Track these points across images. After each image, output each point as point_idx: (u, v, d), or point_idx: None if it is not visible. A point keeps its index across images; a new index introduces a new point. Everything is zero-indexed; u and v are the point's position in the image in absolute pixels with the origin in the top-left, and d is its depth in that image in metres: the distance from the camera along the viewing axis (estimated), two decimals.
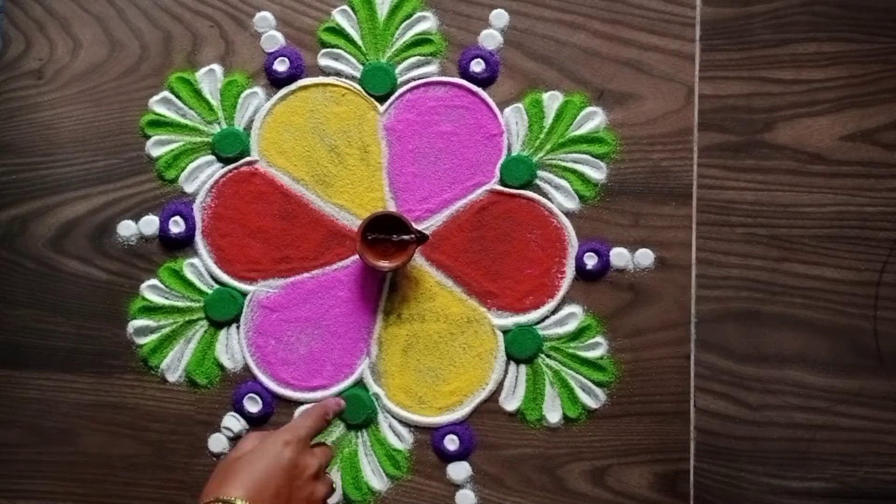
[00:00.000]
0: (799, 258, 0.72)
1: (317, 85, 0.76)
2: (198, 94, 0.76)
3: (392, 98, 0.75)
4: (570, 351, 0.72)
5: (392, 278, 0.74)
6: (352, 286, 0.74)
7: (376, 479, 0.71)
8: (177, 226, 0.74)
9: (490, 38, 0.76)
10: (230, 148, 0.75)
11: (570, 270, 0.73)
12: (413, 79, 0.75)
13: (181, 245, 0.74)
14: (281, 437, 0.59)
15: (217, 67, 0.76)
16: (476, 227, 0.74)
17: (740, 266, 0.72)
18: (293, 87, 0.76)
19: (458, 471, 0.71)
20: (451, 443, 0.71)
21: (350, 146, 0.75)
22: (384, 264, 0.70)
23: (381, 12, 0.76)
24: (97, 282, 0.74)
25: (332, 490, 0.62)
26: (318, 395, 0.72)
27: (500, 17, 0.76)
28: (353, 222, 0.74)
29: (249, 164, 0.75)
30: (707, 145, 0.74)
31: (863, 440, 0.70)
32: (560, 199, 0.74)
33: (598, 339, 0.72)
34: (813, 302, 0.72)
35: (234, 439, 0.72)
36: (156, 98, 0.76)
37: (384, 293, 0.74)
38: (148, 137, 0.75)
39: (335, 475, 0.71)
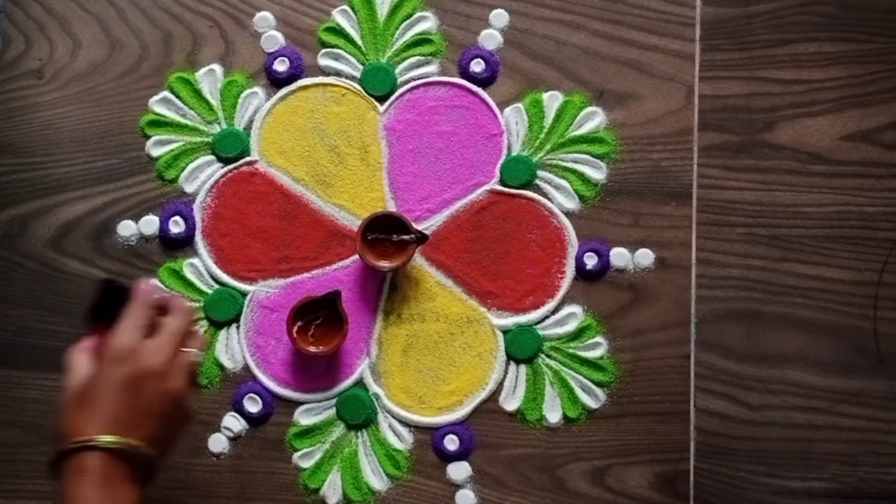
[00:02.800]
0: (799, 258, 0.72)
1: (317, 85, 0.76)
2: (198, 94, 0.76)
3: (392, 98, 0.75)
4: (570, 351, 0.72)
5: (392, 278, 0.74)
6: (352, 286, 0.74)
7: (376, 479, 0.71)
8: (177, 226, 0.74)
9: (490, 38, 0.76)
10: (230, 148, 0.75)
11: (570, 270, 0.73)
12: (413, 79, 0.75)
13: (181, 245, 0.74)
14: (111, 354, 0.55)
15: (217, 67, 0.76)
16: (476, 227, 0.74)
17: (740, 266, 0.72)
18: (293, 87, 0.76)
19: (458, 471, 0.71)
20: (451, 443, 0.71)
21: (350, 146, 0.75)
22: (384, 264, 0.70)
23: (381, 12, 0.76)
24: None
25: (192, 367, 0.58)
26: (319, 395, 0.72)
27: (500, 17, 0.76)
28: (353, 222, 0.74)
29: (249, 164, 0.75)
30: (707, 145, 0.74)
31: (863, 440, 0.70)
32: (560, 199, 0.74)
33: (598, 339, 0.72)
34: (813, 302, 0.72)
35: (235, 439, 0.72)
36: (156, 98, 0.76)
37: (384, 293, 0.74)
38: (148, 137, 0.75)
39: (335, 475, 0.71)
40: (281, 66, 0.76)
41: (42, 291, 0.74)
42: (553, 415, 0.71)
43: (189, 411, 0.58)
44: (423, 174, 0.75)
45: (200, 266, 0.74)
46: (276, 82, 0.76)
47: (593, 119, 0.74)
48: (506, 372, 0.72)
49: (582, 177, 0.74)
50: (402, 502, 0.71)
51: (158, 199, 0.75)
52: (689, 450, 0.71)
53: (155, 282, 0.62)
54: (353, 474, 0.71)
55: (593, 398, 0.72)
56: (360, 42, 0.76)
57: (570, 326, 0.72)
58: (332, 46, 0.76)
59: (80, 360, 0.57)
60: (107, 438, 0.52)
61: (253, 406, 0.72)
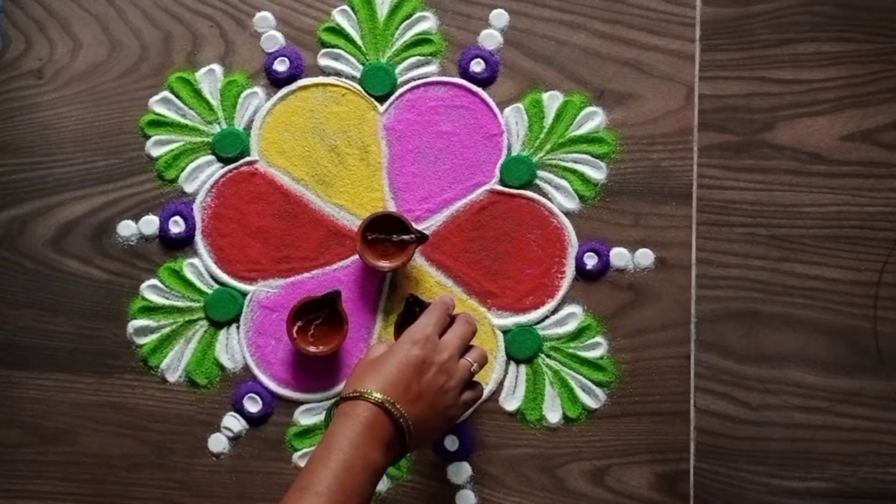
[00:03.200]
0: (799, 258, 0.72)
1: (317, 85, 0.76)
2: (198, 94, 0.76)
3: (392, 98, 0.75)
4: (570, 351, 0.72)
5: (392, 278, 0.74)
6: (352, 286, 0.74)
7: None
8: (177, 226, 0.74)
9: (490, 38, 0.76)
10: (230, 148, 0.75)
11: (570, 270, 0.73)
12: (413, 79, 0.75)
13: (181, 245, 0.74)
14: (409, 337, 0.61)
15: (217, 67, 0.76)
16: (476, 227, 0.74)
17: (740, 266, 0.72)
18: (293, 87, 0.76)
19: (458, 471, 0.71)
20: (451, 443, 0.71)
21: (350, 146, 0.75)
22: (384, 264, 0.70)
23: (381, 12, 0.76)
24: (97, 282, 0.74)
25: (469, 375, 0.63)
26: (318, 395, 0.72)
27: (500, 17, 0.76)
28: (353, 222, 0.74)
29: (249, 164, 0.75)
30: (707, 145, 0.74)
31: (863, 440, 0.70)
32: (560, 199, 0.74)
33: (598, 339, 0.72)
34: (813, 302, 0.72)
35: (234, 439, 0.72)
36: (156, 98, 0.76)
37: (384, 293, 0.74)
38: (148, 137, 0.75)
39: None
40: (281, 66, 0.76)
41: (42, 291, 0.74)
42: (553, 415, 0.71)
43: (452, 418, 0.62)
44: (423, 174, 0.75)
45: (200, 266, 0.74)
46: (276, 82, 0.76)
47: (593, 119, 0.74)
48: (506, 372, 0.72)
49: (582, 177, 0.74)
50: (402, 502, 0.71)
51: (158, 199, 0.75)
52: (689, 450, 0.71)
53: (453, 298, 0.66)
54: None
55: (593, 398, 0.72)
56: (360, 42, 0.76)
57: (570, 326, 0.72)
58: (332, 46, 0.76)
59: (379, 346, 0.63)
60: (379, 395, 0.57)
61: (253, 406, 0.72)
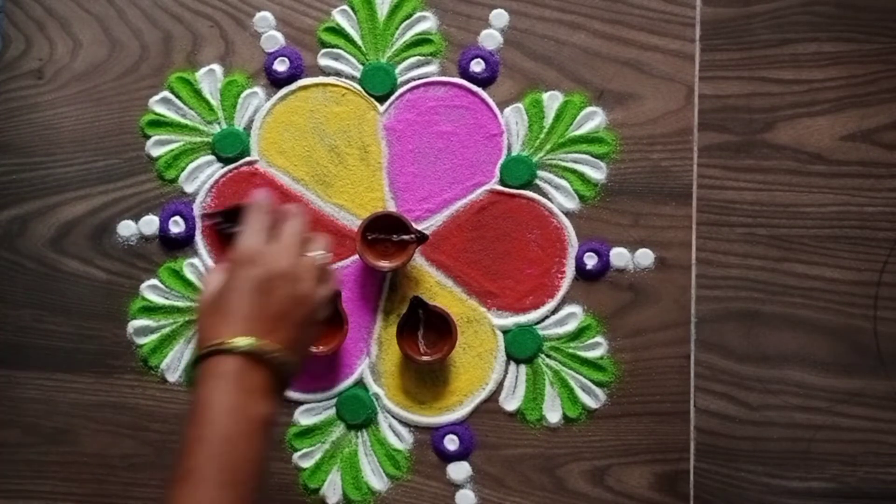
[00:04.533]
0: (799, 258, 0.72)
1: (317, 85, 0.76)
2: (198, 94, 0.76)
3: (392, 98, 0.75)
4: (570, 351, 0.72)
5: (392, 278, 0.74)
6: (352, 286, 0.74)
7: (376, 479, 0.71)
8: (177, 226, 0.74)
9: (490, 38, 0.76)
10: (230, 148, 0.75)
11: (570, 270, 0.73)
12: (413, 79, 0.75)
13: (181, 245, 0.74)
14: (238, 260, 0.54)
15: (217, 67, 0.76)
16: (476, 227, 0.74)
17: (740, 266, 0.72)
18: (293, 87, 0.76)
19: (458, 471, 0.71)
20: (451, 443, 0.71)
21: (350, 146, 0.75)
22: (384, 264, 0.70)
23: (381, 12, 0.76)
24: (97, 282, 0.74)
25: (320, 268, 0.57)
26: (318, 395, 0.72)
27: (500, 17, 0.76)
28: (353, 222, 0.74)
29: (249, 164, 0.75)
30: (707, 145, 0.74)
31: (863, 440, 0.70)
32: (560, 199, 0.74)
33: (598, 339, 0.72)
34: (813, 302, 0.72)
35: None
36: (156, 98, 0.76)
37: (384, 293, 0.74)
38: (148, 137, 0.75)
39: (335, 475, 0.71)
40: (281, 66, 0.76)
41: (42, 291, 0.74)
42: (553, 415, 0.71)
43: (318, 323, 0.56)
44: (423, 174, 0.75)
45: (200, 266, 0.74)
46: (276, 82, 0.76)
47: (593, 119, 0.74)
48: (506, 372, 0.72)
49: (582, 177, 0.74)
50: (402, 502, 0.71)
51: (158, 199, 0.75)
52: (689, 450, 0.71)
53: (267, 192, 0.60)
54: (352, 474, 0.71)
55: (593, 398, 0.72)
56: (360, 42, 0.76)
57: (570, 326, 0.72)
58: (332, 46, 0.76)
59: (213, 275, 0.56)
60: (241, 341, 0.50)
61: None
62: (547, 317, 0.73)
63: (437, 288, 0.73)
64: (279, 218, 0.58)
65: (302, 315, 0.54)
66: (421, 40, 0.76)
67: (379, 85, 0.75)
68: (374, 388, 0.72)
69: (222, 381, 0.49)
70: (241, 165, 0.75)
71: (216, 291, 0.54)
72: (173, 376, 0.73)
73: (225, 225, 0.66)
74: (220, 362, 0.50)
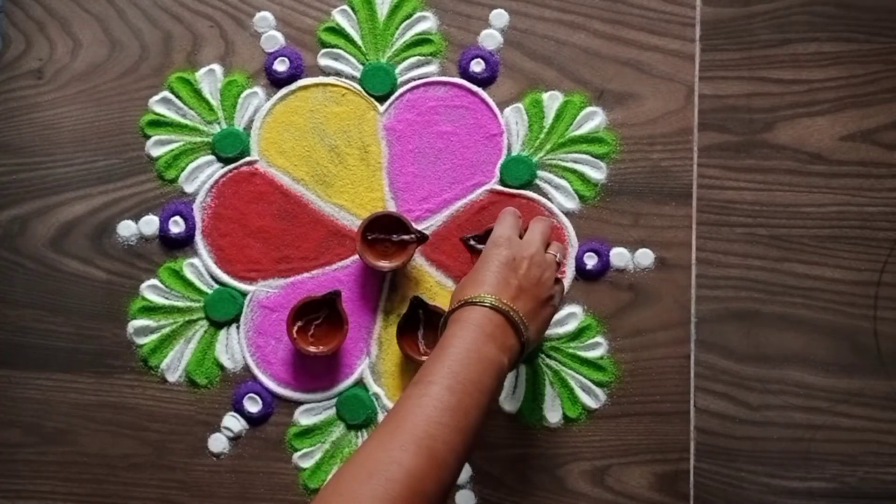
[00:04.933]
0: (799, 258, 0.72)
1: (317, 85, 0.76)
2: (198, 94, 0.76)
3: (392, 98, 0.75)
4: (570, 351, 0.72)
5: (392, 278, 0.74)
6: (352, 286, 0.74)
7: None
8: (177, 226, 0.74)
9: (490, 38, 0.76)
10: (230, 148, 0.75)
11: (570, 270, 0.73)
12: (413, 79, 0.75)
13: (181, 245, 0.74)
14: (492, 244, 0.62)
15: (217, 67, 0.76)
16: (476, 227, 0.74)
17: (740, 266, 0.72)
18: (293, 87, 0.76)
19: None
20: None
21: (350, 146, 0.75)
22: (384, 264, 0.70)
23: (381, 12, 0.76)
24: (97, 282, 0.74)
25: (556, 264, 0.64)
26: (318, 395, 0.72)
27: (500, 17, 0.76)
28: (353, 222, 0.74)
29: (249, 164, 0.75)
30: (707, 145, 0.74)
31: (863, 440, 0.70)
32: (560, 199, 0.74)
33: (598, 339, 0.72)
34: (813, 302, 0.72)
35: (235, 439, 0.72)
36: (156, 98, 0.76)
37: (384, 293, 0.74)
38: (148, 137, 0.75)
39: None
40: (281, 66, 0.76)
41: (42, 291, 0.74)
42: (553, 415, 0.71)
43: (554, 308, 0.63)
44: (423, 174, 0.75)
45: (200, 266, 0.74)
46: (276, 82, 0.76)
47: (593, 119, 0.74)
48: None
49: (582, 177, 0.74)
50: None
51: (158, 199, 0.75)
52: (689, 450, 0.71)
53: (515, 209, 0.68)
54: None
55: (593, 398, 0.72)
56: (360, 42, 0.76)
57: (570, 326, 0.72)
58: (332, 46, 0.76)
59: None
60: (488, 297, 0.57)
61: (253, 406, 0.72)
62: None
63: (437, 288, 0.73)
64: (530, 222, 0.66)
65: (541, 296, 0.61)
66: (421, 40, 0.76)
67: (379, 85, 0.75)
68: (374, 388, 0.72)
69: (467, 325, 0.56)
70: (241, 165, 0.75)
71: (470, 272, 0.62)
72: (173, 376, 0.73)
73: (476, 244, 0.72)
74: (467, 311, 0.57)
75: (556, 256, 0.64)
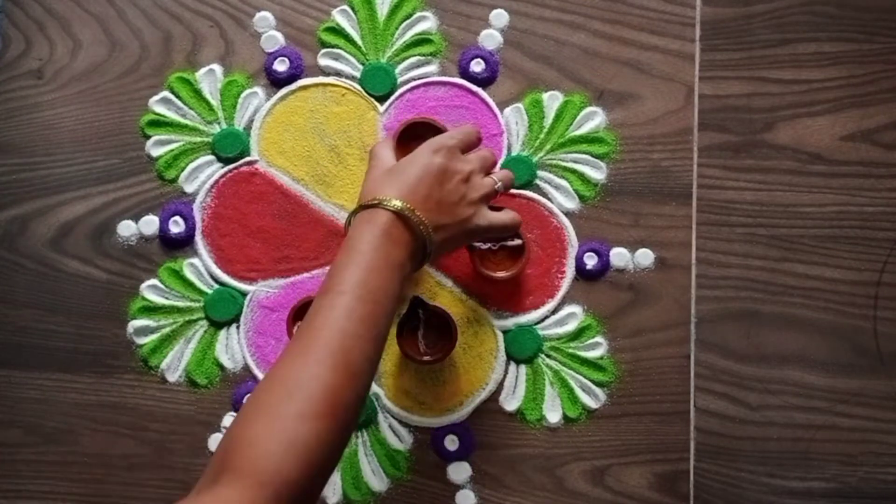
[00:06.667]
0: (799, 258, 0.72)
1: (317, 85, 0.76)
2: (198, 94, 0.76)
3: (392, 98, 0.75)
4: (570, 351, 0.72)
5: None
6: None
7: (376, 480, 0.71)
8: (177, 226, 0.74)
9: (490, 38, 0.76)
10: (230, 148, 0.75)
11: (570, 270, 0.73)
12: (413, 79, 0.75)
13: (181, 245, 0.74)
14: (429, 147, 0.61)
15: (217, 67, 0.76)
16: None
17: (740, 266, 0.72)
18: (293, 87, 0.76)
19: (458, 471, 0.71)
20: (451, 443, 0.71)
21: (350, 146, 0.75)
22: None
23: (381, 12, 0.76)
24: (97, 282, 0.74)
25: (492, 192, 0.63)
26: None
27: (500, 17, 0.76)
28: None
29: (249, 164, 0.75)
30: (707, 145, 0.74)
31: (863, 440, 0.70)
32: (560, 199, 0.74)
33: (598, 339, 0.72)
34: (813, 302, 0.72)
35: None
36: (156, 98, 0.76)
37: None
38: (148, 137, 0.75)
39: (335, 475, 0.71)
40: (281, 66, 0.76)
41: (42, 291, 0.74)
42: (553, 415, 0.71)
43: (474, 228, 0.61)
44: None
45: (200, 266, 0.74)
46: (276, 82, 0.76)
47: (593, 119, 0.74)
48: (506, 372, 0.72)
49: (582, 177, 0.74)
50: (402, 502, 0.71)
51: (158, 199, 0.75)
52: (689, 450, 0.71)
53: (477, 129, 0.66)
54: (352, 474, 0.71)
55: (593, 398, 0.72)
56: (360, 42, 0.76)
57: (570, 326, 0.72)
58: (332, 46, 0.76)
59: (384, 147, 0.63)
60: (397, 202, 0.57)
61: None
62: (547, 317, 0.73)
63: (437, 288, 0.73)
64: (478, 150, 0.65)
65: (460, 215, 0.60)
66: (421, 40, 0.76)
67: (379, 85, 0.75)
68: (374, 387, 0.72)
69: (374, 227, 0.56)
70: (241, 165, 0.75)
71: (398, 163, 0.61)
72: (173, 376, 0.73)
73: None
74: (375, 213, 0.57)
75: (496, 183, 0.63)
